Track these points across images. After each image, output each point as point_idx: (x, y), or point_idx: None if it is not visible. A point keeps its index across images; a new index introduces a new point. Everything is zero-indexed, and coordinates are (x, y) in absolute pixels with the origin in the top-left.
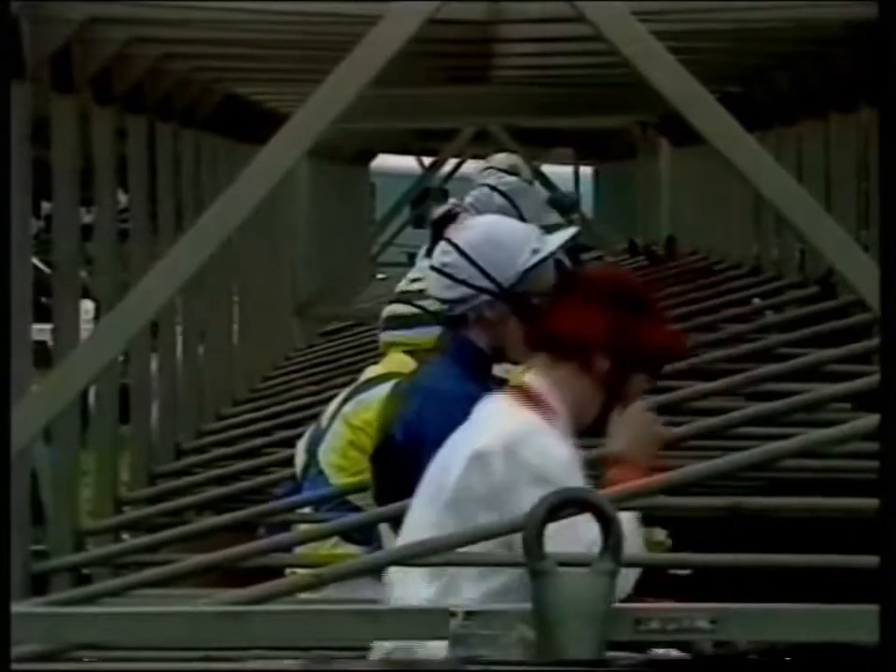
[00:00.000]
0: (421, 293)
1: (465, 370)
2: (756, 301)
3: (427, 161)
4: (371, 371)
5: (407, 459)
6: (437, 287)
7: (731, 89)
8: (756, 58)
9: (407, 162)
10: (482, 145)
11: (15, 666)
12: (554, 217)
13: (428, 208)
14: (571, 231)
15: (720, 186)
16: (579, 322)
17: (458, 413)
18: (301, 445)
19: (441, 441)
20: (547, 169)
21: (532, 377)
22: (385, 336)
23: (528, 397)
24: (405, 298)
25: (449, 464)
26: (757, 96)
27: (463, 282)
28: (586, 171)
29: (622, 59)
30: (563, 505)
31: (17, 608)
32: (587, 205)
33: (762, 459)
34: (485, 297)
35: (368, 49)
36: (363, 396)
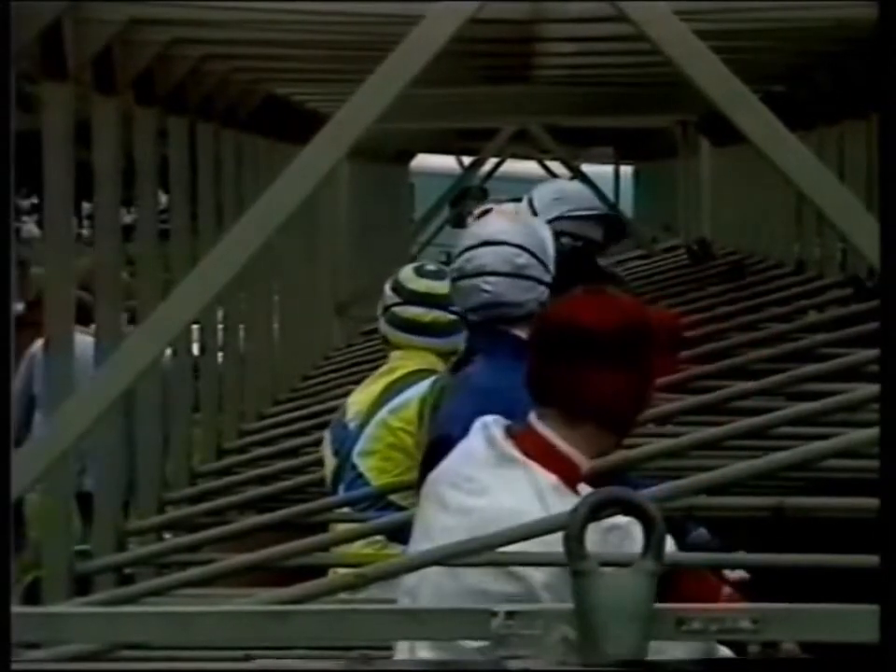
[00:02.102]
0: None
1: (522, 364)
2: (811, 313)
3: (467, 160)
4: (392, 370)
5: None
6: (512, 291)
7: (773, 88)
8: (799, 57)
9: (446, 162)
10: (522, 144)
11: (15, 667)
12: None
13: (467, 208)
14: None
15: (761, 185)
16: (599, 389)
17: (519, 411)
18: (327, 448)
19: None
20: (587, 168)
21: (547, 430)
22: (414, 340)
23: (547, 451)
24: (431, 301)
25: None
26: (799, 95)
27: (538, 280)
28: (626, 170)
29: (663, 58)
30: (605, 505)
31: (60, 607)
32: (627, 205)
33: (803, 459)
34: (546, 290)
35: (408, 49)
36: (401, 397)
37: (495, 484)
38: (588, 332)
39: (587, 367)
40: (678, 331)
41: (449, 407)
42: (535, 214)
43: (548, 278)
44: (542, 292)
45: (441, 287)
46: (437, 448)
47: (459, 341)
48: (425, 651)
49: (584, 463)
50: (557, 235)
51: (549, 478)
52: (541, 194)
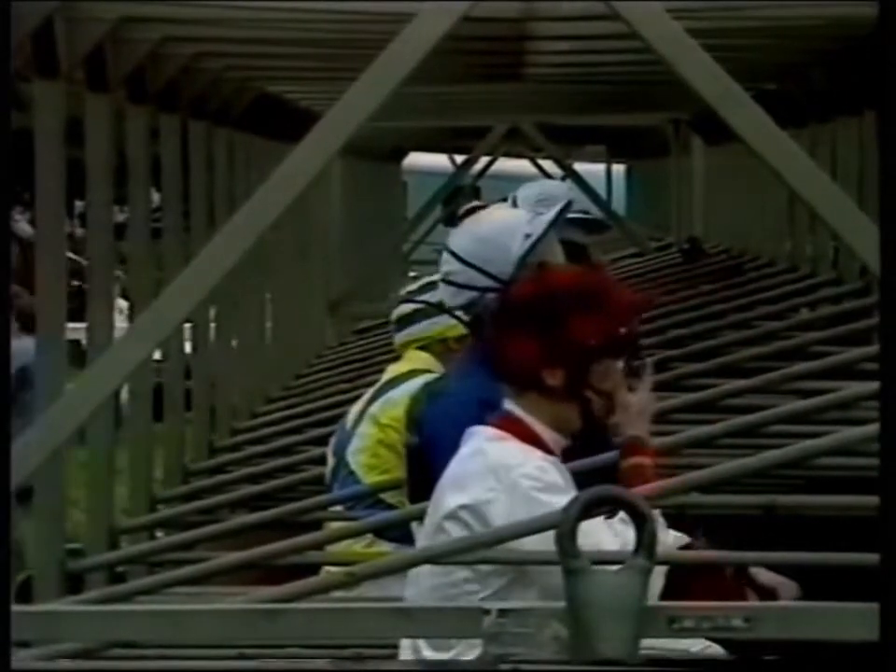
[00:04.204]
0: (422, 289)
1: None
2: (804, 311)
3: (459, 158)
4: (392, 371)
5: (425, 461)
6: (447, 296)
7: (766, 86)
8: (791, 55)
9: (439, 160)
10: (514, 142)
11: (15, 666)
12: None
13: (460, 206)
14: (558, 207)
15: (753, 183)
16: (510, 354)
17: (460, 415)
18: (329, 448)
19: (443, 442)
20: (579, 167)
21: (511, 404)
22: (398, 337)
23: (513, 424)
24: (408, 297)
25: (439, 503)
26: (792, 93)
27: (466, 286)
28: (619, 168)
29: (655, 56)
30: (597, 503)
31: (52, 606)
32: (619, 203)
33: (795, 457)
34: (490, 294)
35: (401, 48)
36: (391, 394)
37: (452, 463)
38: (502, 302)
39: (502, 334)
40: (634, 306)
41: (430, 411)
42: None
43: (486, 282)
44: (479, 297)
45: (412, 283)
46: (408, 451)
47: (414, 331)
48: (428, 652)
49: (546, 432)
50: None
51: (490, 432)
52: (525, 195)
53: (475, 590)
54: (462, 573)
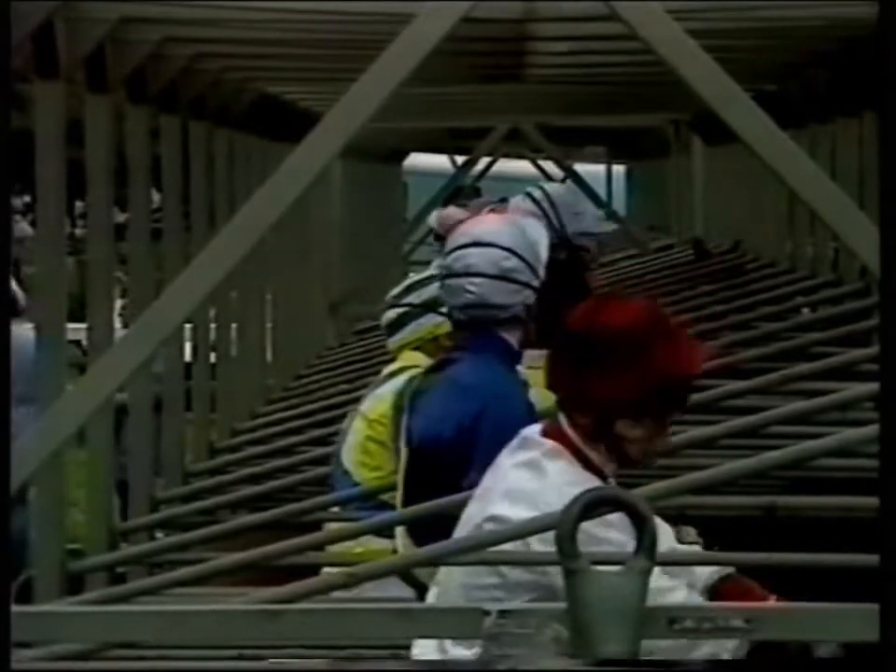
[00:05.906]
0: (405, 291)
1: (507, 367)
2: (805, 311)
3: (460, 159)
4: (386, 371)
5: (456, 457)
6: (497, 293)
7: (765, 87)
8: (791, 56)
9: (439, 161)
10: (515, 143)
11: (15, 666)
12: (585, 224)
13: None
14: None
15: (753, 184)
16: (587, 386)
17: (508, 407)
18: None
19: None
20: (579, 168)
21: (568, 428)
22: (390, 343)
23: (566, 440)
24: (393, 302)
25: (486, 505)
26: (792, 94)
27: (526, 284)
28: (619, 169)
29: (656, 57)
30: (597, 504)
31: (52, 606)
32: (619, 203)
33: (795, 458)
34: (532, 293)
35: (401, 48)
36: (377, 390)
37: (506, 461)
38: (589, 331)
39: (582, 364)
40: (704, 352)
41: (435, 407)
42: (557, 214)
43: (535, 282)
44: (528, 296)
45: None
46: (426, 448)
47: (403, 335)
48: (457, 650)
49: (595, 455)
50: (577, 249)
51: (549, 445)
52: (565, 203)
53: (500, 597)
54: (490, 579)
